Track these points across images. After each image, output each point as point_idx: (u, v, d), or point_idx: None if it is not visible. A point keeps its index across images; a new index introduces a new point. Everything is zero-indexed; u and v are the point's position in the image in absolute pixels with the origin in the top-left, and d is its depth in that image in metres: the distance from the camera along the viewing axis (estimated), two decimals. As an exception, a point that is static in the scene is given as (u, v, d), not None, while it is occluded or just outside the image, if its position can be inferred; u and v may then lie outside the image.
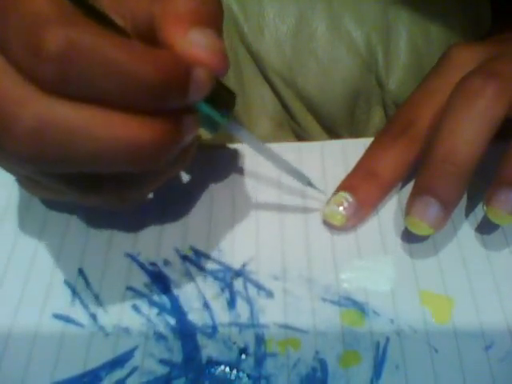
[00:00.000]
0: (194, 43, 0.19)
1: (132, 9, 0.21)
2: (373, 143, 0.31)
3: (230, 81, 0.35)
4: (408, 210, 0.27)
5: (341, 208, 0.29)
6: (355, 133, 0.36)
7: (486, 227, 0.29)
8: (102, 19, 0.20)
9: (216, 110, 0.22)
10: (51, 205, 0.31)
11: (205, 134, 0.24)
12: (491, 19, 0.36)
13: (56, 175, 0.23)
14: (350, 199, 0.29)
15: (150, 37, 0.20)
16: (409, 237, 0.29)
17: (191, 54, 0.19)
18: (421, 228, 0.26)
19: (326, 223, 0.30)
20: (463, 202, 0.30)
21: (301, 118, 0.35)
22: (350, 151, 0.33)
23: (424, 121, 0.29)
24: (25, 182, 0.26)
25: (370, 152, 0.31)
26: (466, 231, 0.29)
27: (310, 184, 0.29)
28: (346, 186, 0.30)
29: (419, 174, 0.27)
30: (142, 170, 0.20)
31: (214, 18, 0.20)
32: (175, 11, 0.20)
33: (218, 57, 0.20)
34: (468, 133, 0.25)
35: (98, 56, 0.17)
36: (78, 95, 0.17)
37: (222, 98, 0.22)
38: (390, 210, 0.30)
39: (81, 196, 0.24)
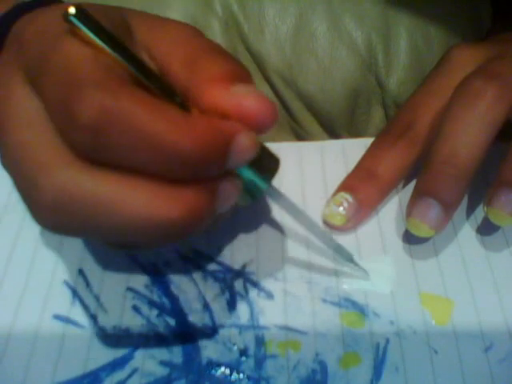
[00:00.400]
0: (239, 93, 0.18)
1: (172, 74, 0.20)
2: (373, 144, 0.31)
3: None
4: (409, 211, 0.27)
5: (341, 208, 0.29)
6: (355, 133, 0.36)
7: (486, 229, 0.29)
8: (154, 81, 0.18)
9: (259, 177, 0.20)
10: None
11: (243, 201, 0.22)
12: (491, 19, 0.36)
13: None
14: (350, 199, 0.29)
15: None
16: (409, 238, 0.29)
17: (237, 103, 0.18)
18: (422, 230, 0.26)
19: (326, 224, 0.30)
20: (463, 203, 0.30)
21: (301, 117, 0.35)
22: (350, 151, 0.33)
23: (424, 122, 0.29)
24: None
25: (369, 153, 0.31)
26: (466, 233, 0.29)
27: (351, 260, 0.28)
28: (346, 186, 0.30)
29: (420, 176, 0.27)
30: (171, 243, 0.19)
31: (249, 77, 0.19)
32: (212, 74, 0.18)
33: (266, 102, 0.18)
34: (469, 135, 0.25)
35: (132, 126, 0.16)
36: (113, 163, 0.17)
37: (266, 164, 0.21)
38: (390, 211, 0.30)
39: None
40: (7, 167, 0.19)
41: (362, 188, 0.29)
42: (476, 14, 0.36)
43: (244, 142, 0.18)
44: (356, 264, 0.27)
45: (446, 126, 0.26)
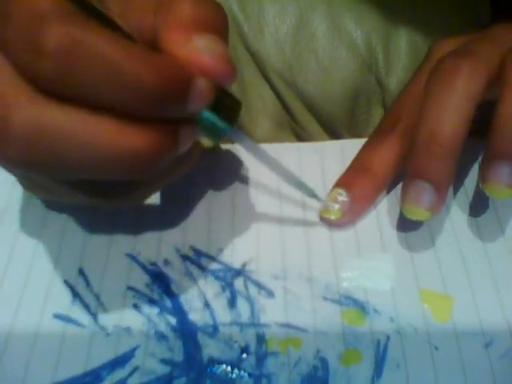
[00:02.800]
0: (198, 49, 0.19)
1: (138, 20, 0.20)
2: (366, 142, 0.31)
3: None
4: (403, 197, 0.27)
5: (335, 203, 0.29)
6: (355, 133, 0.36)
7: (485, 225, 0.29)
8: (106, 23, 0.19)
9: (219, 119, 0.21)
10: (51, 204, 0.31)
11: (207, 142, 0.23)
12: (491, 19, 0.36)
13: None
14: (345, 194, 0.29)
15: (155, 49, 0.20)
16: (408, 235, 0.29)
17: (195, 59, 0.18)
18: (418, 213, 0.26)
19: (323, 220, 0.30)
20: (462, 199, 0.31)
21: (301, 118, 0.35)
22: (348, 151, 0.33)
23: (410, 115, 0.29)
24: (25, 182, 0.26)
25: (362, 150, 0.31)
26: (465, 229, 0.29)
27: (314, 196, 0.28)
28: (341, 182, 0.30)
29: (408, 159, 0.27)
30: (134, 178, 0.20)
31: (218, 25, 0.20)
32: (178, 19, 0.19)
33: (223, 64, 0.19)
34: (449, 112, 0.25)
35: (99, 55, 0.16)
36: (76, 96, 0.17)
37: (226, 106, 0.21)
38: (389, 208, 0.31)
39: (81, 199, 0.24)
40: None
41: (356, 183, 0.30)
42: (476, 14, 0.36)
43: (203, 85, 0.18)
44: (320, 199, 0.29)
45: (425, 107, 0.26)
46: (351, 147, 0.33)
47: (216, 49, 0.19)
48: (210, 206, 0.31)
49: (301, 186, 0.28)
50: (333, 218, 0.29)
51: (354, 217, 0.30)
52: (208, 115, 0.21)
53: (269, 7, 0.34)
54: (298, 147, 0.34)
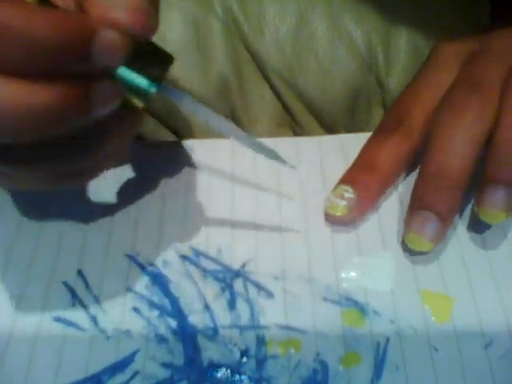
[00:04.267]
0: (111, 4, 0.18)
1: None
2: (369, 138, 0.31)
3: (231, 80, 0.34)
4: (407, 226, 0.27)
5: (341, 200, 0.29)
6: (355, 133, 0.36)
7: (485, 226, 0.29)
8: None
9: (139, 74, 0.19)
10: (49, 205, 0.31)
11: (138, 102, 0.21)
12: (491, 19, 0.36)
13: None
14: (351, 190, 0.29)
15: None
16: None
17: (105, 14, 0.18)
18: (421, 244, 0.27)
19: (328, 216, 0.30)
20: (462, 202, 0.30)
21: (301, 117, 0.35)
22: (347, 146, 0.33)
23: (415, 117, 0.30)
24: None
25: (367, 147, 0.31)
26: (466, 230, 0.29)
27: (277, 158, 0.26)
28: (346, 179, 0.30)
29: (415, 189, 0.28)
30: (51, 135, 0.19)
31: None
32: None
33: (136, 15, 0.18)
34: (458, 147, 0.26)
35: None
36: None
37: (150, 61, 0.20)
38: (391, 208, 0.30)
39: (10, 173, 0.22)
40: None
41: (362, 180, 0.29)
42: (476, 14, 0.36)
43: (110, 36, 0.18)
44: (282, 160, 0.26)
45: (434, 140, 0.27)
46: (350, 141, 0.33)
47: (130, 2, 0.18)
48: (209, 205, 0.31)
49: (261, 148, 0.25)
50: (339, 214, 0.29)
51: (360, 214, 0.30)
52: (124, 71, 0.19)
53: (269, 7, 0.34)
54: (296, 141, 0.34)
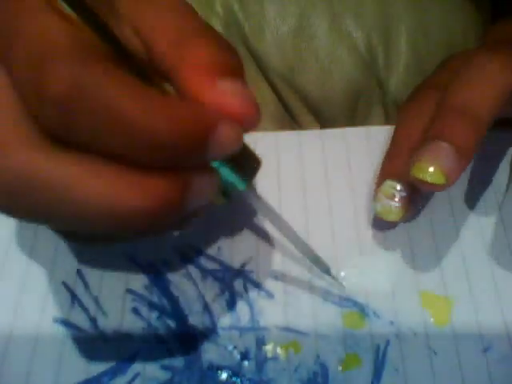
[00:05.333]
0: (225, 92, 0.17)
1: (151, 40, 0.18)
2: (395, 131, 0.29)
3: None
4: (417, 156, 0.24)
5: (393, 201, 0.26)
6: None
7: (487, 229, 0.29)
8: (131, 62, 0.17)
9: (237, 175, 0.19)
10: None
11: (217, 199, 0.21)
12: (491, 19, 0.36)
13: None
14: (399, 187, 0.26)
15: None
16: (410, 237, 0.29)
17: (222, 102, 0.16)
18: (432, 174, 0.23)
19: (378, 222, 0.28)
20: (463, 202, 0.30)
21: (301, 117, 0.35)
22: (373, 138, 0.32)
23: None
24: None
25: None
26: (467, 232, 0.29)
27: (328, 273, 0.26)
28: (388, 172, 0.27)
29: (432, 125, 0.25)
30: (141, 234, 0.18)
31: (240, 69, 0.18)
32: (200, 60, 0.17)
33: (250, 105, 0.17)
34: (483, 89, 0.25)
35: (103, 103, 0.15)
36: (78, 145, 0.15)
37: (245, 163, 0.19)
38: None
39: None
40: None
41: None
42: (476, 14, 0.35)
43: (227, 131, 0.16)
44: (333, 277, 0.26)
45: (458, 81, 0.25)
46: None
47: (242, 91, 0.17)
48: (209, 205, 0.31)
49: (316, 260, 0.26)
50: (395, 218, 0.26)
51: (412, 214, 0.28)
52: (224, 169, 0.18)
53: (269, 7, 0.33)
54: (319, 134, 0.33)
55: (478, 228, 0.29)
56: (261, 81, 0.35)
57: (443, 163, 0.23)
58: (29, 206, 0.16)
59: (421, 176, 0.23)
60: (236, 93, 0.17)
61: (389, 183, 0.27)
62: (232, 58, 0.18)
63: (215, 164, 0.18)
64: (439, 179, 0.23)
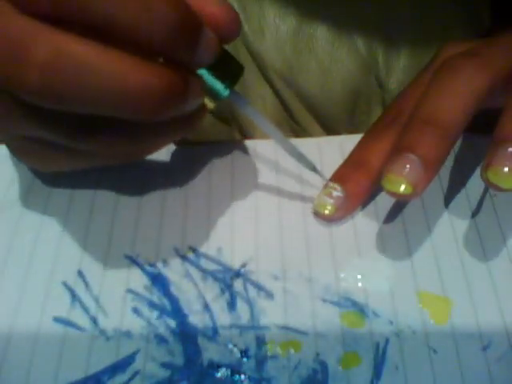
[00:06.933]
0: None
1: None
2: (364, 135, 0.31)
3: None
4: (387, 168, 0.25)
5: (330, 198, 0.29)
6: (355, 133, 0.36)
7: (485, 228, 0.29)
8: None
9: (219, 80, 0.21)
10: (49, 204, 0.31)
11: (209, 102, 0.23)
12: (491, 19, 0.36)
13: (53, 122, 0.22)
14: (339, 189, 0.29)
15: None
16: (408, 237, 0.29)
17: (205, 6, 0.19)
18: (399, 185, 0.24)
19: (316, 214, 0.30)
20: (461, 202, 0.31)
21: (301, 118, 0.35)
22: (347, 147, 0.33)
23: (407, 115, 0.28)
24: (15, 145, 0.25)
25: (360, 144, 0.31)
26: (465, 232, 0.29)
27: (314, 169, 0.29)
28: (336, 176, 0.30)
29: (400, 137, 0.26)
30: (142, 119, 0.20)
31: None
32: None
33: (230, 13, 0.20)
34: (451, 100, 0.25)
35: None
36: (97, 26, 0.17)
37: (227, 69, 0.21)
38: (389, 210, 0.31)
39: (72, 142, 0.22)
40: None
41: (352, 177, 0.29)
42: (476, 14, 0.36)
43: (211, 35, 0.19)
44: (319, 172, 0.29)
45: (425, 95, 0.26)
46: (351, 142, 0.33)
47: (225, 3, 0.20)
48: (209, 205, 0.31)
49: (301, 158, 0.29)
50: (326, 213, 0.29)
51: (347, 212, 0.30)
52: (207, 75, 0.21)
53: (269, 7, 0.34)
54: (295, 142, 0.34)
55: (475, 228, 0.29)
56: (260, 81, 0.35)
57: (410, 175, 0.24)
58: (58, 83, 0.18)
59: (390, 187, 0.25)
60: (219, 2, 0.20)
61: (332, 184, 0.30)
62: None
63: (200, 71, 0.21)
64: (407, 190, 0.25)
